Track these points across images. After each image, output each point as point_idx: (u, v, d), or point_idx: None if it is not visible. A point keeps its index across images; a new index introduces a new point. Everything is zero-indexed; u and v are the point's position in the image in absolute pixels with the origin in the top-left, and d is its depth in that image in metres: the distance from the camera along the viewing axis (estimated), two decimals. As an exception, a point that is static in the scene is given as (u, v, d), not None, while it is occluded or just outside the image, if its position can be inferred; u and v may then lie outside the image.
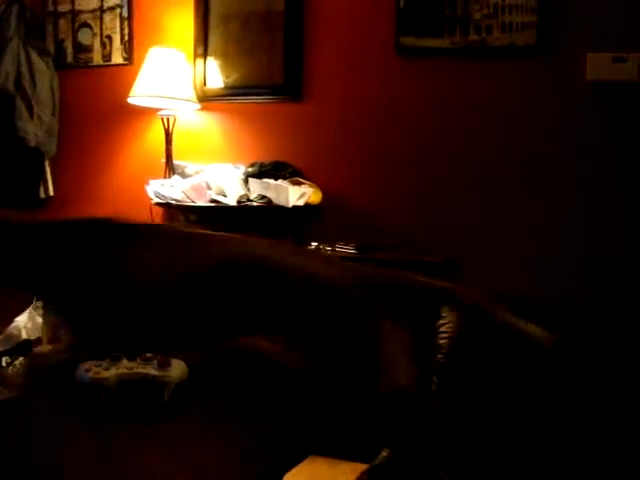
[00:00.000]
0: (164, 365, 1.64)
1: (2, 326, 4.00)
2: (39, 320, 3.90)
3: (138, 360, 1.65)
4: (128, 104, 3.81)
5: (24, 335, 3.93)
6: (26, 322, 3.95)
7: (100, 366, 1.59)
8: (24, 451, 1.41)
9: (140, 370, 1.60)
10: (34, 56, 4.04)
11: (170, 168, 3.75)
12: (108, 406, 1.56)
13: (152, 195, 3.57)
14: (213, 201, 3.44)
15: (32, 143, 3.91)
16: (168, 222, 3.76)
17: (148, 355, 1.66)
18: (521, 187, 3.31)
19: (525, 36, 3.22)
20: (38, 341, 3.87)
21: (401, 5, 3.42)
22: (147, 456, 1.42)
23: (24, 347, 3.79)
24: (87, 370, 1.57)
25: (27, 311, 4.00)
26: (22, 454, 1.40)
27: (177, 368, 1.66)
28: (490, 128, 3.35)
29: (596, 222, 3.18)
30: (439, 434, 1.65)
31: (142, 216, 3.83)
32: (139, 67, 3.78)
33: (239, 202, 3.34)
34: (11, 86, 3.92)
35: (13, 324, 3.98)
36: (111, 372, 1.58)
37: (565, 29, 3.20)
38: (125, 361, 1.62)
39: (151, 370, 1.61)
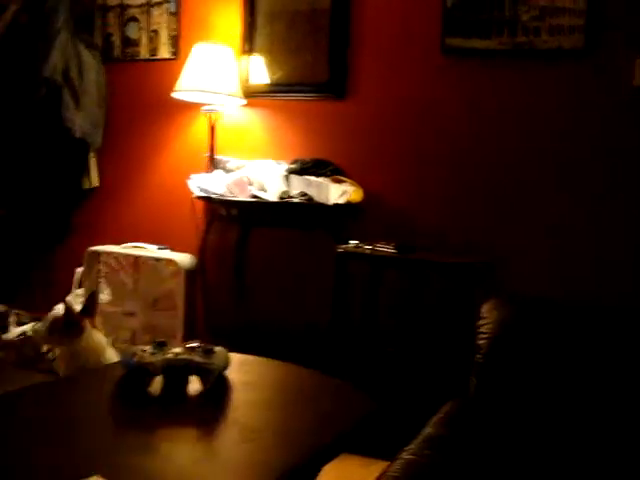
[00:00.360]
0: (208, 352, 1.68)
1: (43, 312, 4.08)
2: (79, 308, 3.97)
3: (183, 347, 1.68)
4: (173, 98, 3.85)
5: (64, 322, 4.01)
6: (66, 310, 4.03)
7: (145, 351, 1.63)
8: (72, 432, 1.45)
9: (185, 356, 1.63)
10: (82, 49, 4.11)
11: (212, 162, 3.79)
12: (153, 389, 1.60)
13: (194, 189, 3.61)
14: (254, 196, 3.46)
15: (78, 134, 3.98)
16: (209, 215, 3.80)
17: (193, 343, 1.69)
18: (557, 191, 3.29)
19: (573, 39, 3.20)
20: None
21: (448, 5, 3.41)
22: (187, 439, 1.45)
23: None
24: (133, 354, 1.61)
25: (67, 298, 4.08)
26: (70, 435, 1.43)
27: (220, 356, 1.70)
28: (529, 130, 3.33)
29: (634, 228, 3.15)
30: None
31: (184, 209, 3.89)
32: (185, 62, 3.82)
33: (280, 198, 3.36)
34: (59, 77, 3.99)
35: (54, 311, 4.06)
36: (157, 357, 1.61)
37: (613, 33, 3.16)
38: (170, 347, 1.66)
39: (195, 357, 1.64)
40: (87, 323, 2.58)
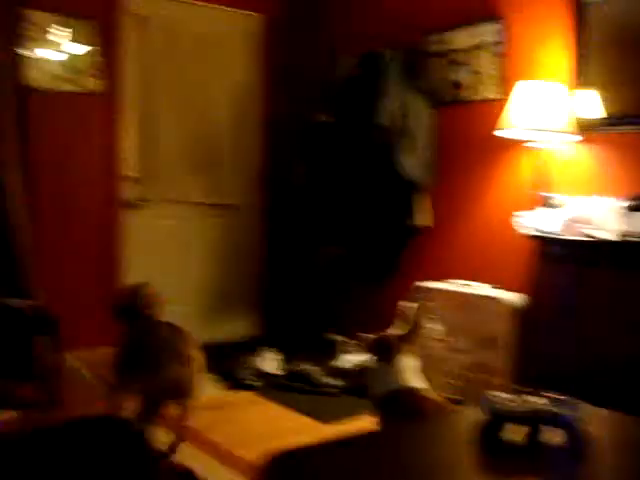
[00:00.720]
0: (566, 404, 1.64)
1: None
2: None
3: (540, 396, 1.67)
4: (498, 137, 3.89)
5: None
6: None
7: (504, 397, 1.64)
8: (428, 475, 1.49)
9: (545, 406, 1.61)
10: (414, 95, 4.35)
11: (538, 200, 3.73)
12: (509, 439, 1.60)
13: (521, 227, 3.59)
14: (587, 235, 3.33)
15: (411, 176, 4.20)
16: (538, 253, 3.73)
17: (558, 396, 1.66)
18: None
19: None
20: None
21: None
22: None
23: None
24: (493, 399, 1.64)
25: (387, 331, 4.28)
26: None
27: (579, 407, 1.65)
28: None
29: None
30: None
31: (510, 247, 3.87)
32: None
33: (622, 237, 3.18)
34: (392, 123, 4.26)
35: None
36: (517, 404, 1.62)
37: None
38: (533, 397, 1.65)
39: (555, 407, 1.62)
40: (402, 347, 2.70)
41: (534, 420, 1.61)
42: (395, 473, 1.45)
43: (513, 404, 1.62)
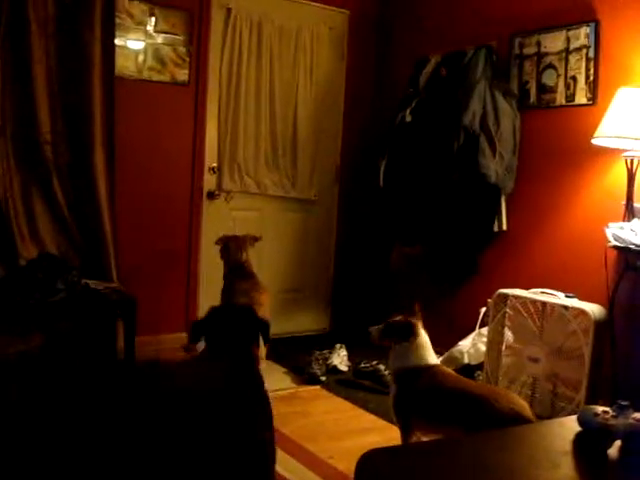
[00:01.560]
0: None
1: (446, 347, 4.28)
2: (482, 347, 4.08)
3: (641, 412, 1.63)
4: (589, 144, 3.79)
5: (466, 360, 4.16)
6: (469, 348, 4.17)
7: (607, 412, 1.61)
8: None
9: (648, 423, 1.58)
10: (499, 97, 4.27)
11: (630, 211, 3.62)
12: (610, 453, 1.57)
13: (610, 238, 3.49)
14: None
15: (492, 179, 4.13)
16: (622, 266, 3.63)
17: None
18: None
19: None
20: (479, 367, 4.06)
21: None
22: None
23: (465, 371, 3.99)
24: (596, 415, 1.60)
25: (471, 336, 4.23)
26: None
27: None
28: None
29: None
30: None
31: (594, 257, 3.77)
32: (603, 108, 3.73)
33: None
34: (477, 125, 4.20)
35: (457, 347, 4.24)
36: (620, 420, 1.58)
37: None
38: (633, 411, 1.61)
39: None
40: (419, 327, 2.90)
41: (631, 434, 1.57)
42: (490, 475, 1.44)
43: (609, 417, 1.58)
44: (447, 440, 1.73)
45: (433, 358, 2.88)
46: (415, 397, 2.78)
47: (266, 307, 3.82)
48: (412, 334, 2.85)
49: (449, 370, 3.01)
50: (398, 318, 2.92)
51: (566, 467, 1.52)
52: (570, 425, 1.66)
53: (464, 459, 1.49)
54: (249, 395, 2.13)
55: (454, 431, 2.59)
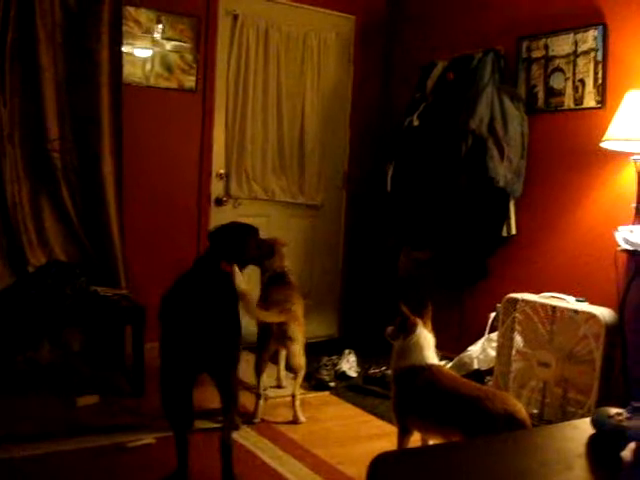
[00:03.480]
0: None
1: (456, 353, 4.26)
2: (491, 352, 4.06)
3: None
4: (597, 148, 3.77)
5: (475, 365, 4.13)
6: (479, 353, 4.15)
7: (622, 415, 1.59)
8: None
9: (663, 425, 1.55)
10: (506, 101, 4.27)
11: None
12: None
13: (620, 241, 3.47)
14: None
15: (501, 183, 4.12)
16: (632, 270, 3.61)
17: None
18: None
19: None
20: (489, 372, 4.04)
21: None
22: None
23: (475, 377, 3.97)
24: (609, 416, 1.59)
25: (480, 342, 4.21)
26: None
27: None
28: None
29: None
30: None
31: (604, 261, 3.75)
32: (612, 111, 3.71)
33: None
34: (484, 129, 4.20)
35: (466, 352, 4.22)
36: (633, 422, 1.56)
37: None
38: (644, 413, 1.59)
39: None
40: (420, 324, 2.88)
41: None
42: (505, 478, 1.42)
43: (623, 419, 1.56)
44: (458, 443, 1.72)
45: (432, 357, 2.86)
46: (412, 397, 2.78)
47: (300, 320, 3.69)
48: (409, 331, 2.85)
49: (447, 370, 3.02)
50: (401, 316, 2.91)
51: (580, 469, 1.50)
52: (584, 427, 1.64)
53: (476, 462, 1.47)
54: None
55: (449, 432, 2.61)
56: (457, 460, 1.50)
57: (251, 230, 3.24)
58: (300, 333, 3.61)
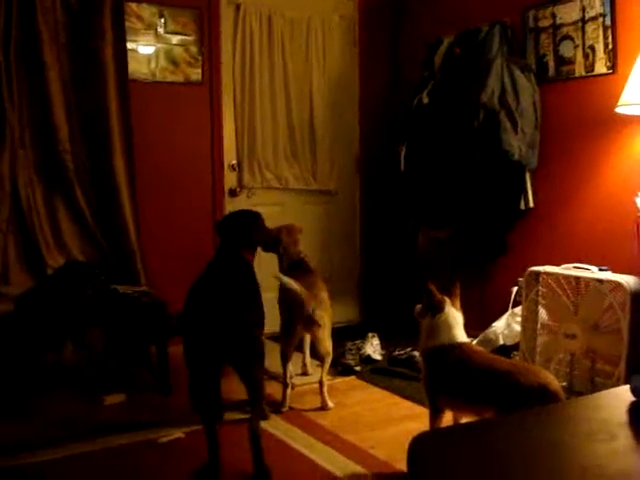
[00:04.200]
0: None
1: (480, 330, 4.23)
2: (516, 327, 4.03)
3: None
4: (611, 114, 3.72)
5: (501, 341, 4.10)
6: (503, 329, 4.12)
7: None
8: (570, 455, 1.43)
9: None
10: (516, 73, 4.21)
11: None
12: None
13: (640, 207, 3.42)
14: None
15: (515, 156, 4.07)
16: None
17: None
18: None
19: None
20: (514, 347, 4.00)
21: None
22: None
23: (502, 352, 3.94)
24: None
25: (504, 317, 4.17)
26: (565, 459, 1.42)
27: None
28: None
29: None
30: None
31: (626, 228, 3.71)
32: (624, 76, 3.65)
33: None
34: (496, 102, 4.14)
35: (491, 329, 4.19)
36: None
37: None
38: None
39: None
40: (448, 302, 2.84)
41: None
42: (548, 452, 1.40)
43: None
44: (494, 420, 1.70)
45: (462, 336, 2.84)
46: (443, 376, 2.76)
47: (326, 305, 3.64)
48: (437, 310, 2.82)
49: (477, 347, 3.01)
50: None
51: (624, 438, 1.48)
52: (623, 395, 1.62)
53: (519, 437, 1.46)
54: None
55: (483, 409, 2.58)
56: (498, 436, 1.48)
57: (252, 215, 3.24)
58: (327, 318, 3.59)
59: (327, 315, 3.60)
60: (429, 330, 2.85)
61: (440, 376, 2.78)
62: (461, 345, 2.78)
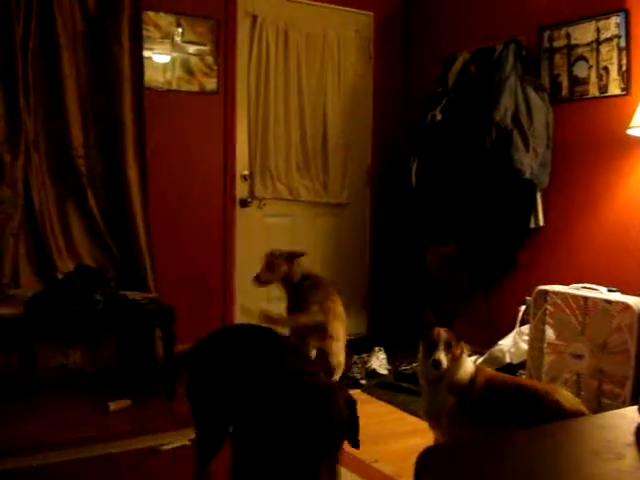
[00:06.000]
0: None
1: (487, 347, 4.23)
2: (523, 346, 4.02)
3: None
4: (624, 135, 3.73)
5: (507, 359, 4.10)
6: (510, 347, 4.11)
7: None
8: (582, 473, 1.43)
9: None
10: (530, 92, 4.23)
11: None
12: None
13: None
14: None
15: (527, 175, 4.09)
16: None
17: None
18: None
19: None
20: (521, 365, 4.00)
21: None
22: None
23: (508, 370, 3.93)
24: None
25: (511, 335, 4.17)
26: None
27: None
28: None
29: None
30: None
31: (636, 249, 3.71)
32: (637, 98, 3.68)
33: None
34: (509, 121, 4.16)
35: (497, 346, 4.18)
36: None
37: None
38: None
39: None
40: (464, 349, 2.70)
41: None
42: (554, 469, 1.40)
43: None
44: (505, 436, 1.70)
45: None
46: (473, 404, 2.65)
47: (341, 317, 3.68)
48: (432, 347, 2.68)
49: (492, 371, 2.95)
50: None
51: (631, 458, 1.47)
52: (631, 416, 1.62)
53: (525, 455, 1.45)
54: None
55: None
56: (505, 453, 1.48)
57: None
58: (342, 330, 3.59)
59: (342, 327, 3.60)
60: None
61: (470, 406, 2.66)
62: (480, 371, 2.73)
